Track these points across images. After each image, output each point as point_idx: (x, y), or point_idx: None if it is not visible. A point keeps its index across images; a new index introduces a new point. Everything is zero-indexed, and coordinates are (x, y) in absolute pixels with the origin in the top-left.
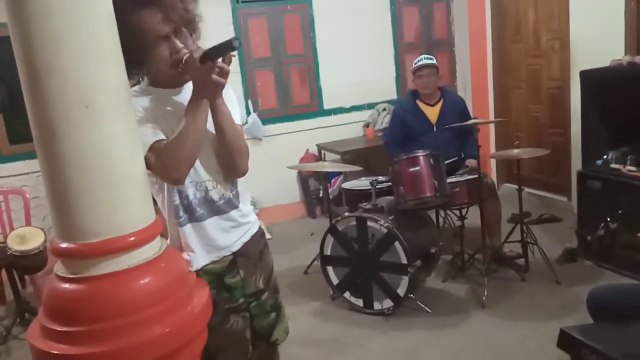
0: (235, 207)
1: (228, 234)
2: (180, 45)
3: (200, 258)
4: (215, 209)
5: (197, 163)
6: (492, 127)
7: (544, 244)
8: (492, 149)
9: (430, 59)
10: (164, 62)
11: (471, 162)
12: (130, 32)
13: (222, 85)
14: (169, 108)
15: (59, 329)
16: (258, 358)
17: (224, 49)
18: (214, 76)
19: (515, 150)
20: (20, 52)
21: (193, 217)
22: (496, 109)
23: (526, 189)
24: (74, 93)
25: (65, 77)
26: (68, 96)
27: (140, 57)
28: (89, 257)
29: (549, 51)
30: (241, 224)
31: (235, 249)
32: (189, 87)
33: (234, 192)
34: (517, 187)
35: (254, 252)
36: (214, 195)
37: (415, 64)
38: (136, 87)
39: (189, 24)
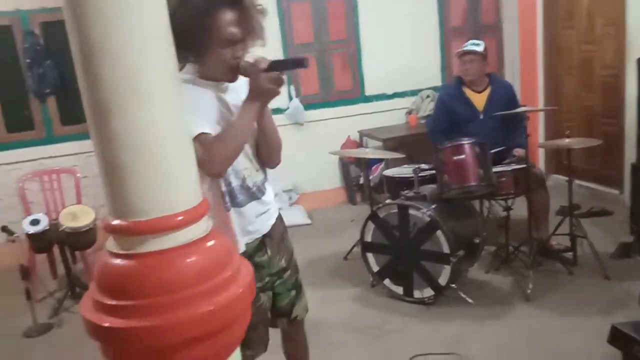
0: (264, 193)
1: (260, 218)
2: (242, 52)
3: (240, 241)
4: (251, 195)
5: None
6: (541, 115)
7: (594, 238)
8: (541, 138)
9: (476, 44)
10: (223, 62)
11: (519, 152)
12: (202, 23)
13: (278, 94)
14: (213, 102)
15: (109, 302)
16: (284, 336)
17: (292, 65)
18: (272, 86)
19: (566, 140)
20: (74, 34)
21: (235, 203)
22: (546, 96)
23: (576, 181)
24: (125, 74)
25: (117, 58)
26: (120, 77)
27: (203, 49)
28: (138, 234)
29: (603, 37)
30: (269, 208)
31: (265, 231)
32: (232, 86)
33: (263, 180)
34: (566, 178)
35: (277, 233)
36: (249, 182)
37: (462, 47)
38: (183, 75)
39: (255, 34)
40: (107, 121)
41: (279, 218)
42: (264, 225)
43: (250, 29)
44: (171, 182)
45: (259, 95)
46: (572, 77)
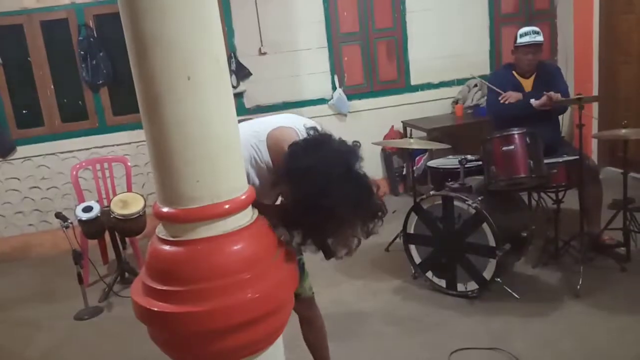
0: None
1: None
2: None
3: None
4: None
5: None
6: (595, 105)
7: None
8: (595, 129)
9: (538, 33)
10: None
11: (552, 94)
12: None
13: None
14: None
15: (158, 287)
16: (300, 320)
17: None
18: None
19: (623, 131)
20: (128, 24)
21: None
22: (601, 85)
23: (631, 174)
24: (177, 64)
25: (170, 48)
26: (172, 67)
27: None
28: (187, 222)
29: None
30: None
31: None
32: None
33: None
34: (619, 170)
35: None
36: None
37: (520, 36)
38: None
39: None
40: (160, 110)
41: None
42: None
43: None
44: (219, 171)
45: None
46: (631, 65)
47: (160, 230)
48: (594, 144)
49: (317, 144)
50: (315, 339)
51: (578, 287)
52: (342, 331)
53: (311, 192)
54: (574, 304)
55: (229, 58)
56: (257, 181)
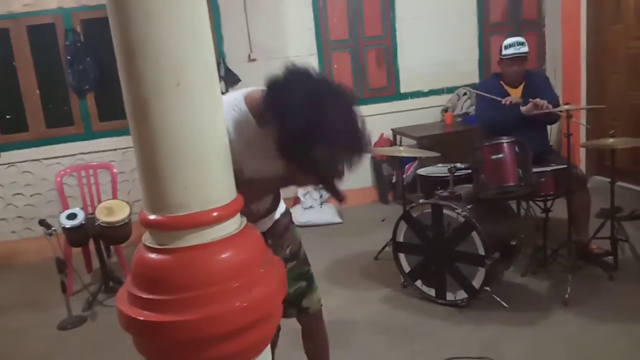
0: (270, 213)
1: (270, 220)
2: None
3: None
4: (255, 219)
5: None
6: (583, 114)
7: (636, 242)
8: (583, 138)
9: (523, 44)
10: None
11: (538, 101)
12: (313, 152)
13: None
14: (257, 143)
15: (145, 296)
16: (303, 332)
17: (331, 191)
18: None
19: (610, 140)
20: (116, 29)
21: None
22: (589, 95)
23: (618, 182)
24: (166, 69)
25: (159, 54)
26: (161, 72)
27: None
28: (174, 230)
29: None
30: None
31: (268, 227)
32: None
33: (269, 207)
34: (607, 179)
35: (280, 225)
36: (254, 208)
37: (505, 47)
38: (242, 110)
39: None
40: (148, 116)
41: (284, 213)
42: (265, 225)
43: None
44: (207, 178)
45: (290, 180)
46: (619, 75)
47: (147, 238)
48: (582, 153)
49: (295, 74)
50: (319, 355)
51: (566, 295)
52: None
53: (304, 123)
54: (563, 313)
55: (218, 64)
56: (251, 157)
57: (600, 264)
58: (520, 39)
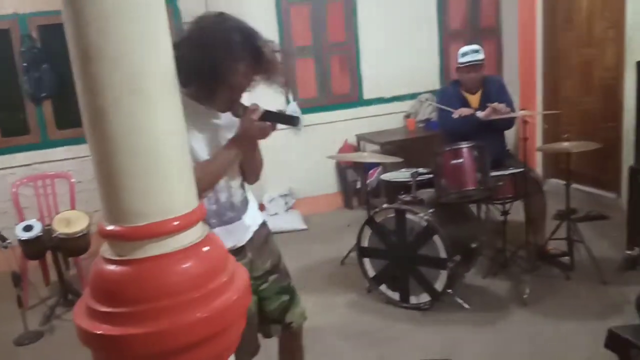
0: (247, 205)
1: (247, 230)
2: (243, 102)
3: None
4: (239, 209)
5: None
6: (539, 119)
7: (591, 242)
8: (539, 142)
9: (478, 52)
10: (224, 100)
11: (494, 104)
12: (218, 70)
13: (263, 138)
14: (203, 126)
15: (103, 309)
16: (280, 347)
17: (284, 121)
18: (259, 134)
19: (565, 144)
20: (72, 36)
21: (222, 221)
22: (545, 100)
23: (573, 185)
24: (124, 77)
25: (115, 61)
26: (118, 80)
27: (209, 87)
28: (133, 240)
29: (603, 40)
30: (252, 221)
31: (245, 241)
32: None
33: (246, 193)
34: (563, 182)
35: (259, 237)
36: (236, 198)
37: (461, 56)
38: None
39: (269, 81)
40: (105, 124)
41: (262, 224)
42: (244, 235)
43: (265, 78)
44: (168, 186)
45: (245, 139)
46: (572, 80)
47: (105, 250)
48: (538, 156)
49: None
50: None
51: (525, 296)
52: None
53: (203, 44)
54: (522, 312)
55: None
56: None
57: (557, 265)
58: (475, 46)
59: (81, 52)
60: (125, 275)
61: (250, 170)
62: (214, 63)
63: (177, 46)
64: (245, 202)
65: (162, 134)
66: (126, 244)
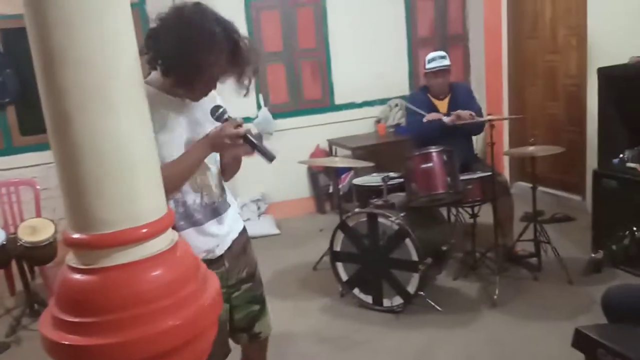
0: (226, 209)
1: (226, 238)
2: (225, 109)
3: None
4: (212, 212)
5: (202, 173)
6: (505, 124)
7: (557, 244)
8: (506, 147)
9: (444, 57)
10: (200, 90)
11: (460, 111)
12: (197, 62)
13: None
14: (176, 120)
15: (70, 319)
16: (243, 356)
17: (259, 150)
18: (232, 148)
19: (530, 148)
20: (35, 41)
21: (192, 222)
22: (511, 106)
23: (540, 188)
24: (89, 81)
25: (80, 66)
26: (83, 85)
27: (186, 78)
28: (101, 248)
29: (566, 47)
30: (232, 224)
31: (225, 248)
32: (195, 106)
33: (224, 195)
34: (530, 185)
35: (238, 246)
36: (207, 200)
37: (428, 62)
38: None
39: (244, 76)
40: (69, 130)
41: (242, 231)
42: (227, 241)
43: (239, 72)
44: (136, 193)
45: (215, 146)
46: (537, 86)
47: (71, 259)
48: (505, 160)
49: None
50: None
51: (495, 297)
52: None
53: (177, 35)
54: (492, 313)
55: (147, 75)
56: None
57: (525, 266)
58: (441, 53)
59: (44, 56)
60: (92, 285)
61: (226, 171)
62: (193, 52)
63: (155, 35)
64: (223, 205)
65: (128, 138)
66: (92, 253)
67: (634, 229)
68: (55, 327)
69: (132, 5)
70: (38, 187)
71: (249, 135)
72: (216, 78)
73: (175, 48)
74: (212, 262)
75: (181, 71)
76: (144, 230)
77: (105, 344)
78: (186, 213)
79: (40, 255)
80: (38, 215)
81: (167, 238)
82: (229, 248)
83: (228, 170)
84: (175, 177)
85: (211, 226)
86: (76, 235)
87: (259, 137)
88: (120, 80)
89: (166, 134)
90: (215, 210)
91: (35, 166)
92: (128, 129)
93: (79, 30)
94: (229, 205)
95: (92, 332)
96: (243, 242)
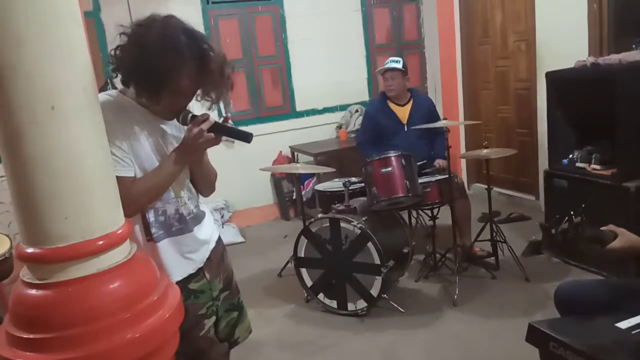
0: (202, 219)
1: (203, 248)
2: (190, 111)
3: (176, 272)
4: (187, 223)
5: (175, 184)
6: (461, 127)
7: (513, 243)
8: (462, 149)
9: (396, 61)
10: (168, 107)
11: (440, 163)
12: (166, 75)
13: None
14: (151, 132)
15: (25, 336)
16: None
17: (235, 135)
18: (205, 145)
19: (484, 151)
20: None
21: (171, 232)
22: (466, 110)
23: (495, 189)
24: (40, 95)
25: (30, 79)
26: (34, 98)
27: (156, 92)
28: (56, 262)
29: (516, 52)
30: (210, 234)
31: (204, 259)
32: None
33: (199, 207)
34: (486, 186)
35: (216, 254)
36: (184, 210)
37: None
38: (120, 96)
39: (216, 91)
40: (21, 144)
41: (218, 239)
42: (205, 252)
43: (210, 87)
44: (90, 205)
45: (190, 150)
46: (489, 90)
47: (26, 274)
48: (462, 163)
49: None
50: None
51: (455, 296)
52: None
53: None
54: (453, 313)
55: (105, 85)
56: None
57: (484, 265)
58: (395, 58)
59: None
60: (48, 299)
61: (202, 181)
62: (151, 59)
63: (121, 45)
64: (199, 215)
65: (82, 152)
66: (47, 267)
67: (572, 212)
68: (10, 344)
69: (87, 14)
70: None
71: (217, 123)
72: (184, 91)
73: (135, 56)
74: (191, 277)
75: (141, 81)
76: (100, 243)
77: None
78: (166, 223)
79: None
80: None
81: (125, 250)
82: (208, 258)
83: (204, 181)
84: (152, 189)
85: (190, 236)
86: (30, 250)
87: (227, 122)
88: (72, 92)
89: (140, 144)
90: (195, 219)
91: None
92: (81, 142)
93: (30, 42)
94: (204, 214)
95: (48, 348)
96: (221, 251)
